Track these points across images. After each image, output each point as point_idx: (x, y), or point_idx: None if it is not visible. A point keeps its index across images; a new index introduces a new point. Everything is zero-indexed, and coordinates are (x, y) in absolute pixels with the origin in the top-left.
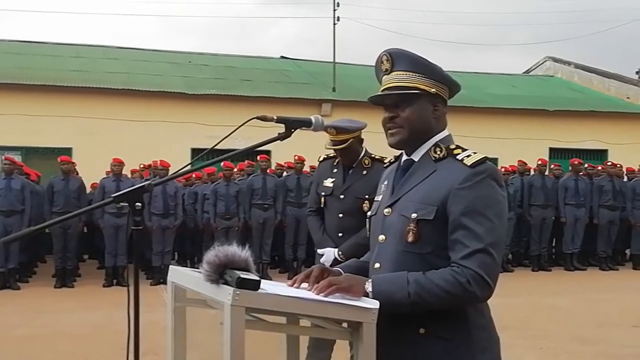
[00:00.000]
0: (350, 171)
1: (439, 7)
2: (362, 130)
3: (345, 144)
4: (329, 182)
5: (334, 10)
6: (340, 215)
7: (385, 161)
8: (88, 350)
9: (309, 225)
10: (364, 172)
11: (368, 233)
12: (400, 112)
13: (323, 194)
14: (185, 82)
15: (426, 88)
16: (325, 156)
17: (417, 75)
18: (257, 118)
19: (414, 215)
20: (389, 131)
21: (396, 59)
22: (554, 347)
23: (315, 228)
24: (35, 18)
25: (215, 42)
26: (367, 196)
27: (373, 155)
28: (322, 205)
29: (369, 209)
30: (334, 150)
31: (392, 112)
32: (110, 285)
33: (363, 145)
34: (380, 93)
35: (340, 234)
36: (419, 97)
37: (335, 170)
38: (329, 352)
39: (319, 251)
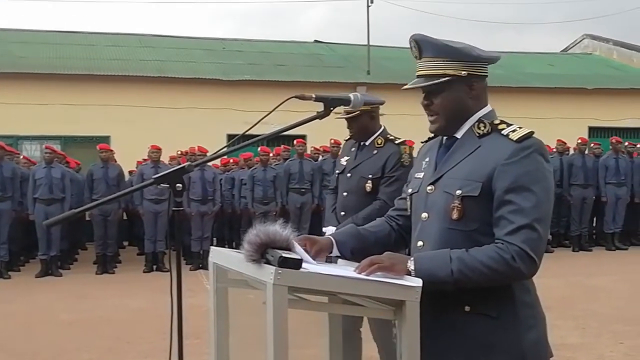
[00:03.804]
0: (362, 150)
1: None
2: (379, 108)
3: (353, 115)
4: (344, 161)
5: None
6: (345, 193)
7: (397, 141)
8: (130, 334)
9: (325, 204)
10: (375, 151)
11: (409, 211)
12: (433, 99)
13: (337, 172)
14: (220, 68)
15: (456, 73)
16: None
17: (445, 60)
18: (296, 97)
19: (458, 192)
20: (428, 118)
21: (422, 45)
22: (596, 328)
23: (328, 206)
24: (68, 7)
25: (249, 27)
26: (370, 176)
27: (388, 136)
28: (337, 184)
29: (372, 190)
30: (347, 121)
31: (426, 99)
32: (150, 271)
33: (381, 124)
34: (410, 85)
35: (342, 213)
36: (451, 82)
37: (352, 149)
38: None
39: (324, 229)
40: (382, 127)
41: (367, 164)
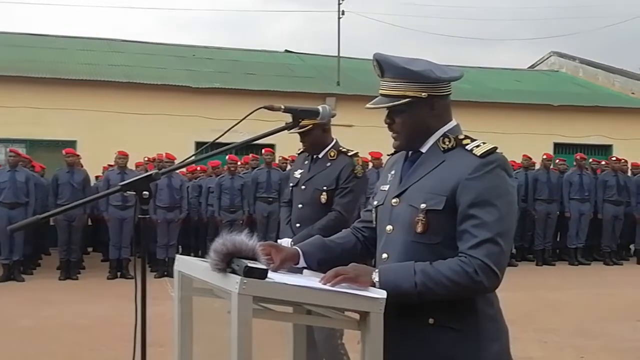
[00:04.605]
0: (316, 162)
1: (444, 2)
2: (330, 121)
3: (305, 129)
4: (297, 174)
5: (339, 4)
6: (300, 205)
7: (349, 153)
8: (92, 341)
9: (280, 216)
10: (328, 164)
11: (374, 223)
12: (395, 118)
13: (291, 184)
14: (190, 75)
15: (415, 94)
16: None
17: (405, 82)
18: (265, 107)
19: (423, 206)
20: (391, 135)
21: (383, 65)
22: (558, 342)
23: (282, 218)
24: (38, 10)
25: (220, 35)
26: (325, 187)
27: (341, 148)
28: (291, 196)
29: (327, 201)
30: (299, 135)
31: (389, 118)
32: (114, 278)
33: (333, 137)
34: (371, 105)
35: (298, 225)
36: (411, 103)
37: (306, 162)
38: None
39: (279, 241)
40: (334, 140)
41: (321, 176)
